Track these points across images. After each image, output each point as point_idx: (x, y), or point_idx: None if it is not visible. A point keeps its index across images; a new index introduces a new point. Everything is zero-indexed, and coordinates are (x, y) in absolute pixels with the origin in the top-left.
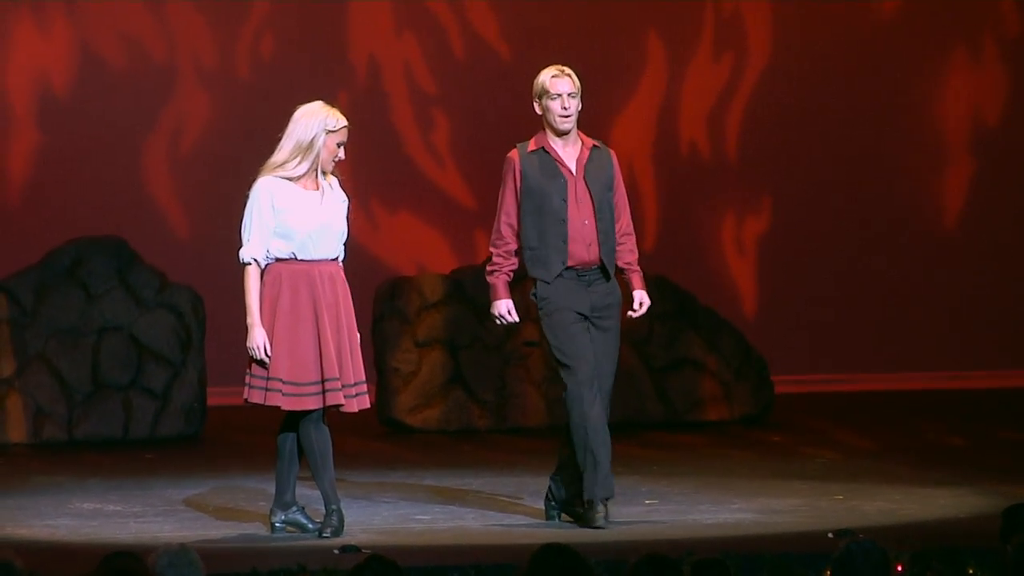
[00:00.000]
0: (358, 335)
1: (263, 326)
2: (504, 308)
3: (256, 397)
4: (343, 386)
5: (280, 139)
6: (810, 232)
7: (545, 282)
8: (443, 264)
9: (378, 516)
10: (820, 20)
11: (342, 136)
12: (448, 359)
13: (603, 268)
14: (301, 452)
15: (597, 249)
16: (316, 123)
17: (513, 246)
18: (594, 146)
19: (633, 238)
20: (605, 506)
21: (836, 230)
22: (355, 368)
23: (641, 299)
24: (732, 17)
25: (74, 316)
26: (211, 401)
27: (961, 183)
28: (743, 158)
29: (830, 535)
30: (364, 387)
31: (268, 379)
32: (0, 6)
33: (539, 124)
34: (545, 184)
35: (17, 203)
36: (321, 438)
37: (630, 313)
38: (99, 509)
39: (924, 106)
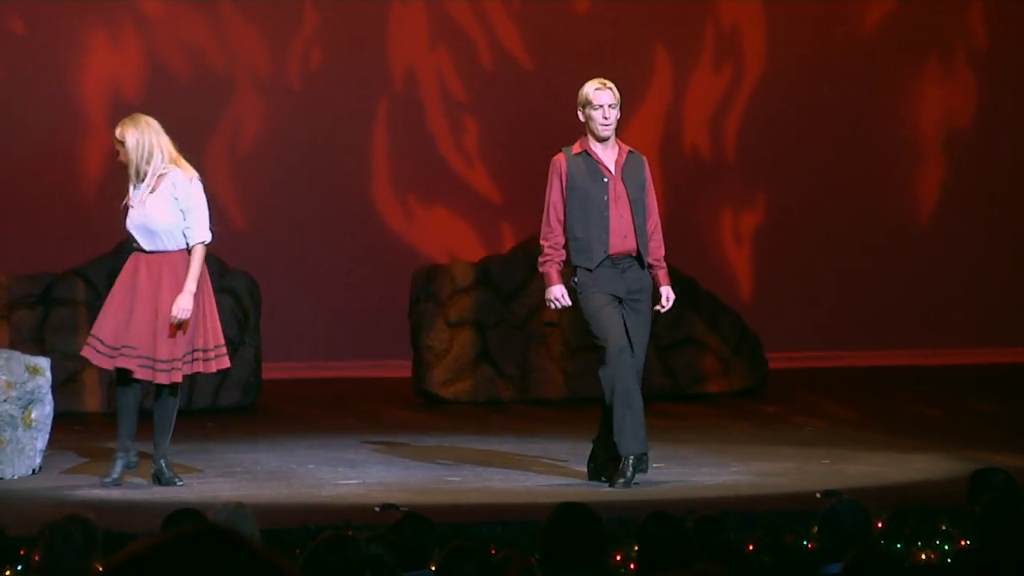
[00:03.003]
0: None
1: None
2: (558, 292)
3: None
4: (140, 356)
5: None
6: (800, 224)
7: (587, 270)
8: (472, 253)
9: (414, 477)
10: (809, 35)
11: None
12: (477, 338)
13: (638, 257)
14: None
15: (633, 240)
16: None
17: (561, 239)
18: (630, 151)
19: (660, 234)
20: (637, 462)
21: (823, 223)
22: (169, 347)
23: (667, 295)
24: (731, 32)
25: None
26: (266, 375)
27: (935, 180)
28: (740, 158)
29: (818, 495)
30: (176, 363)
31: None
32: (77, 23)
33: (557, 126)
34: (589, 183)
35: (93, 198)
36: (129, 399)
37: (657, 308)
38: None
39: (902, 111)
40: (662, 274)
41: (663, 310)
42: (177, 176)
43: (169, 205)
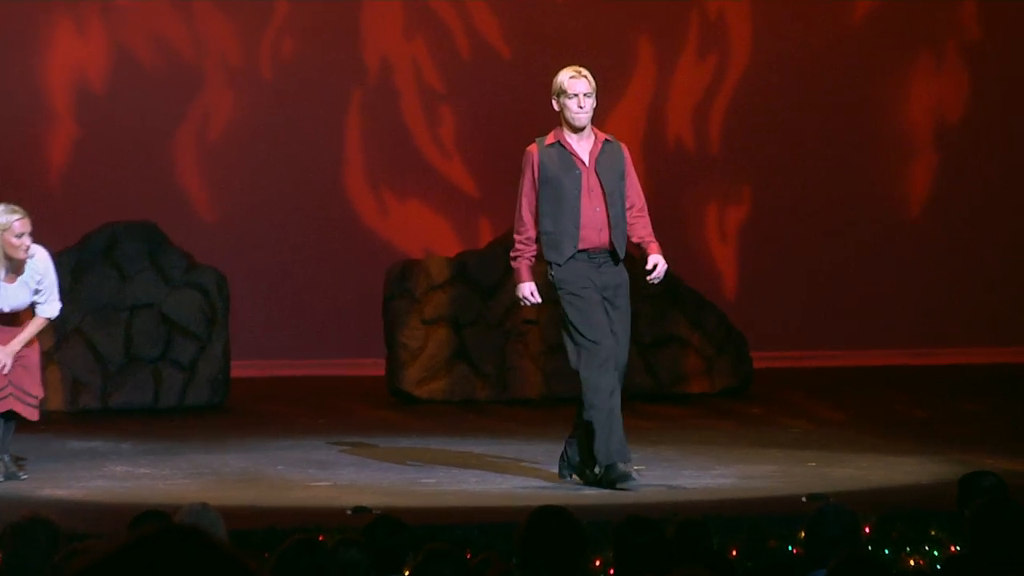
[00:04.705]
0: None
1: None
2: (528, 290)
3: None
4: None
5: None
6: (787, 220)
7: (558, 264)
8: (448, 248)
9: (387, 479)
10: (797, 25)
11: (18, 228)
12: (452, 335)
13: (612, 252)
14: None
15: (607, 234)
16: None
17: (533, 233)
18: (606, 140)
19: (647, 218)
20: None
21: (811, 218)
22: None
23: (656, 261)
24: (716, 21)
25: (109, 294)
26: (234, 373)
27: (925, 175)
28: (725, 152)
29: (804, 499)
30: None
31: None
32: (41, 11)
33: (536, 118)
34: (561, 175)
35: (57, 190)
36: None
37: (649, 278)
38: (131, 472)
39: (892, 104)
40: (653, 246)
41: (653, 278)
42: (38, 261)
43: (30, 291)
